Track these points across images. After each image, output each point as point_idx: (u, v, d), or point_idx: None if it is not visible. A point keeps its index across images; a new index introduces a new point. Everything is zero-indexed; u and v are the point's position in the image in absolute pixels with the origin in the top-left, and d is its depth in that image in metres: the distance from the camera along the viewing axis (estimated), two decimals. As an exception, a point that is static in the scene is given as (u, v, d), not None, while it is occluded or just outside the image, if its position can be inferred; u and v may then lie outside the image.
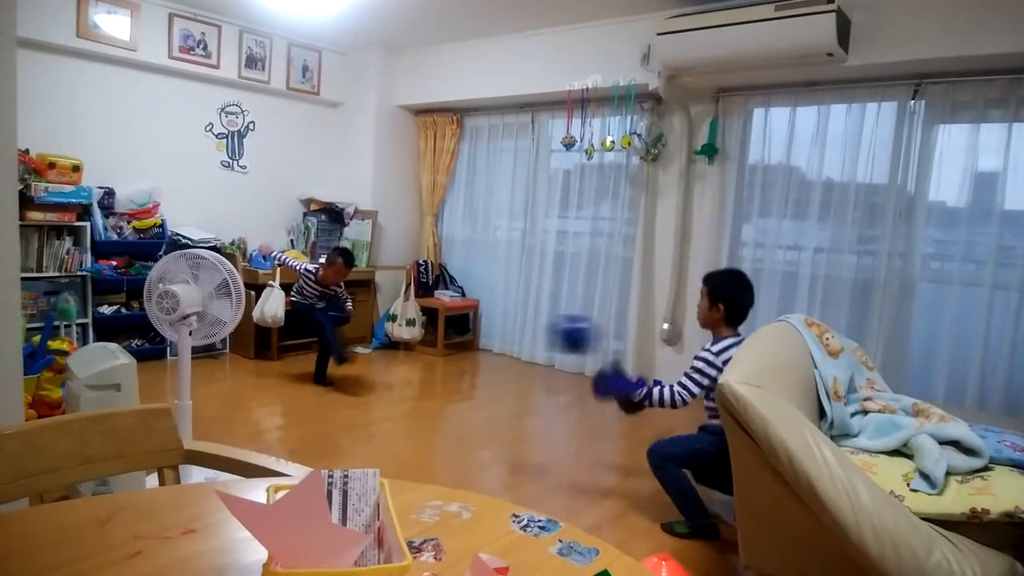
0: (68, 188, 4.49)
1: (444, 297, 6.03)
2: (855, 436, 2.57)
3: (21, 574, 0.88)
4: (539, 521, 1.10)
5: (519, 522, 1.10)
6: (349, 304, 4.87)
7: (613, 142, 4.99)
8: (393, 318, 5.92)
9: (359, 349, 5.92)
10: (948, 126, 3.98)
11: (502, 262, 6.11)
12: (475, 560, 0.78)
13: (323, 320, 4.59)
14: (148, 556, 0.93)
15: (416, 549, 0.98)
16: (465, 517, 1.11)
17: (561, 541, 1.04)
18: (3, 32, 2.11)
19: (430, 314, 5.95)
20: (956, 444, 2.32)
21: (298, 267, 4.65)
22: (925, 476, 2.20)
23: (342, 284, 4.75)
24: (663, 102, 4.91)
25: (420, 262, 6.16)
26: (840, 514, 1.88)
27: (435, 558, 0.96)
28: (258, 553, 0.93)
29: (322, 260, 4.69)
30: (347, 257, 4.59)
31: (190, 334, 2.88)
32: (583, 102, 5.08)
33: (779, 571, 2.25)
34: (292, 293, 4.69)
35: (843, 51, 3.80)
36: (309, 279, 4.56)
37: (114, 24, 4.77)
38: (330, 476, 0.93)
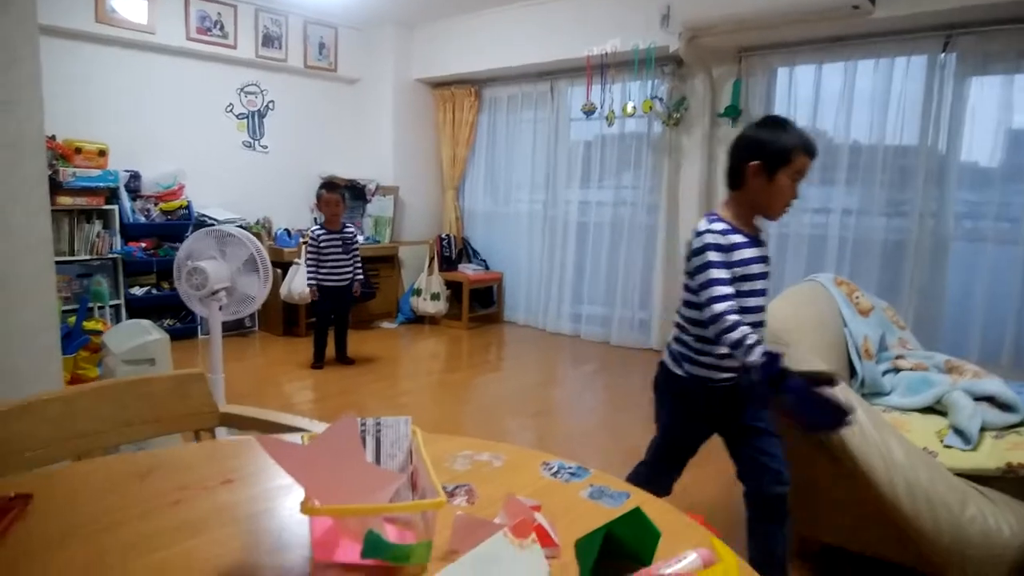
0: (95, 172, 4.56)
1: (468, 270, 6.05)
2: (887, 394, 2.54)
3: (66, 523, 0.91)
4: (569, 468, 1.11)
5: (550, 469, 1.11)
6: (360, 265, 4.61)
7: (634, 107, 4.92)
8: (418, 292, 5.95)
9: (385, 324, 5.98)
10: (980, 79, 3.86)
11: (525, 234, 6.09)
12: (509, 499, 0.79)
13: (343, 308, 4.65)
14: (188, 504, 0.96)
15: (449, 494, 0.99)
16: (496, 465, 1.12)
17: (592, 486, 1.05)
18: (25, 19, 2.13)
19: (454, 288, 5.97)
20: (991, 400, 2.29)
21: (307, 234, 4.60)
22: (959, 432, 2.17)
23: (352, 226, 4.62)
24: (684, 65, 4.81)
25: (443, 236, 6.17)
26: (873, 471, 1.87)
27: (468, 502, 0.98)
28: (295, 498, 0.95)
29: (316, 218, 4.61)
30: (325, 185, 4.59)
31: (220, 309, 2.93)
32: (602, 68, 5.01)
33: (812, 531, 2.25)
34: (318, 273, 4.45)
35: (869, 3, 3.68)
36: (322, 235, 4.42)
37: (131, 8, 4.79)
38: (363, 424, 0.94)
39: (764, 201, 1.72)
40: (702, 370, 1.78)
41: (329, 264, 4.47)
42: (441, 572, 0.59)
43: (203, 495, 0.99)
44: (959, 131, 3.92)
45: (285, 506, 0.96)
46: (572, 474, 1.09)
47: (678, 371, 1.83)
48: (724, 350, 1.66)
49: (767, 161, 1.66)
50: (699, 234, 1.68)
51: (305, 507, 0.73)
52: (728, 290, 1.61)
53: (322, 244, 4.43)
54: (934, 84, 3.98)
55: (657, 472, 1.99)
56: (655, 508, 0.96)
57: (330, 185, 4.63)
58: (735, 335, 1.56)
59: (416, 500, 0.86)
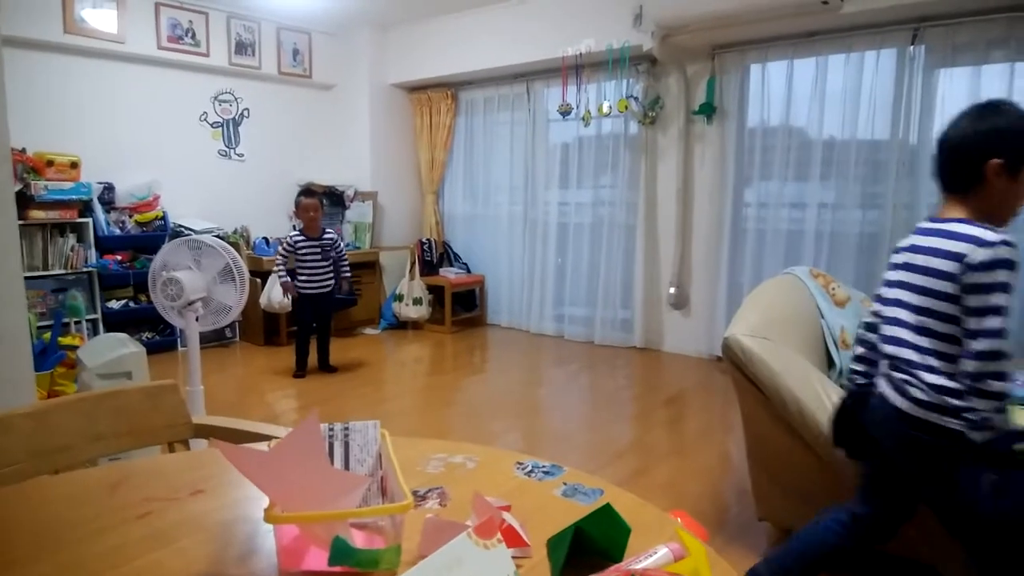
0: (68, 185, 4.50)
1: (449, 274, 6.04)
2: (864, 383, 2.56)
3: (37, 535, 0.90)
4: (543, 467, 1.11)
5: (523, 468, 1.11)
6: (347, 266, 4.61)
7: (610, 107, 4.94)
8: (400, 298, 5.93)
9: (368, 331, 5.95)
10: (949, 70, 3.92)
11: (505, 236, 6.09)
12: (476, 498, 0.78)
13: (324, 316, 4.61)
14: (158, 515, 0.95)
15: (421, 498, 0.99)
16: (469, 467, 1.11)
17: (566, 484, 1.05)
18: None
19: (436, 292, 5.95)
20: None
21: (285, 239, 4.51)
22: (935, 417, 2.19)
23: (332, 232, 4.57)
24: (658, 63, 4.84)
25: (423, 240, 6.15)
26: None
27: (440, 504, 0.97)
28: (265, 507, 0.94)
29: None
30: (303, 192, 4.59)
31: (196, 320, 2.90)
32: (577, 68, 5.03)
33: (794, 523, 2.26)
34: (297, 279, 4.46)
35: (838, -1, 3.73)
36: (300, 241, 4.38)
37: (100, 17, 4.73)
38: (331, 429, 0.93)
39: (1003, 206, 1.42)
40: (957, 421, 1.36)
41: (307, 271, 4.43)
42: (404, 574, 0.59)
43: (173, 506, 0.98)
44: (929, 123, 3.98)
45: (254, 515, 0.95)
46: (546, 472, 1.09)
47: (931, 418, 1.40)
48: (984, 400, 1.31)
49: (1011, 158, 1.37)
50: (985, 244, 1.32)
51: (269, 515, 0.72)
52: (1006, 324, 1.31)
53: (300, 251, 4.39)
54: (904, 77, 4.04)
55: (881, 522, 1.64)
56: (626, 504, 0.96)
57: (308, 191, 4.61)
58: (1005, 384, 1.27)
59: (384, 504, 0.85)
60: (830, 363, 2.61)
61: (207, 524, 0.93)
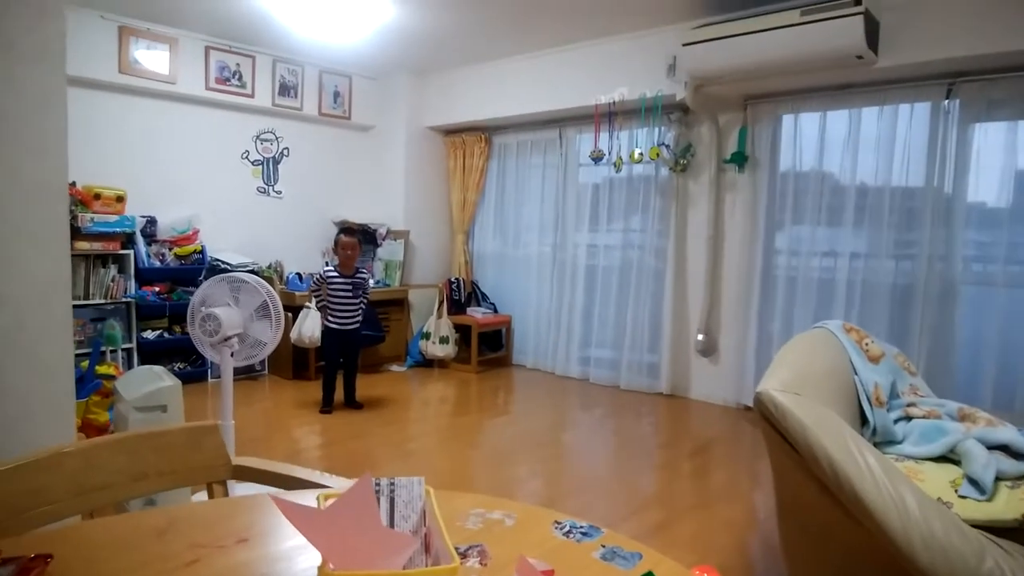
0: (112, 218, 4.66)
1: (477, 314, 6.07)
2: (899, 443, 2.52)
3: (87, 582, 0.92)
4: (581, 527, 1.11)
5: (561, 528, 1.11)
6: (364, 302, 4.62)
7: (641, 154, 5.00)
8: (427, 336, 5.97)
9: (394, 367, 5.99)
10: (984, 124, 3.91)
11: (534, 277, 6.13)
12: (521, 561, 0.80)
13: (352, 353, 4.66)
14: (205, 564, 0.97)
15: (462, 555, 1.00)
16: (508, 524, 1.12)
17: (604, 546, 1.05)
18: (55, 71, 2.22)
19: (463, 331, 5.99)
20: (1005, 448, 2.26)
21: (318, 274, 4.59)
22: (974, 482, 2.15)
23: (366, 271, 4.72)
24: (690, 112, 4.90)
25: (452, 280, 6.21)
26: (887, 523, 1.84)
27: (480, 563, 0.98)
28: (308, 560, 0.96)
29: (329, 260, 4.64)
30: (344, 230, 4.66)
31: (232, 355, 2.96)
32: (610, 115, 5.11)
33: (826, 581, 2.21)
34: (327, 316, 4.54)
35: (873, 53, 3.76)
36: (333, 277, 4.47)
37: (154, 59, 4.95)
38: (377, 484, 0.95)
39: None
40: None
41: (338, 307, 4.49)
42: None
43: (219, 554, 1.00)
44: (964, 175, 3.95)
45: (299, 567, 0.97)
46: (584, 534, 1.09)
47: None
48: None
49: None
50: None
51: (323, 572, 0.74)
52: None
53: (332, 286, 4.46)
54: (938, 129, 4.04)
55: None
56: (666, 570, 0.96)
57: (348, 230, 4.71)
58: None
59: (430, 563, 0.87)
60: (864, 420, 2.57)
61: (254, 574, 0.95)
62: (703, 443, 4.18)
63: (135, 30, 4.84)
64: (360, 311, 4.57)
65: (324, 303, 4.53)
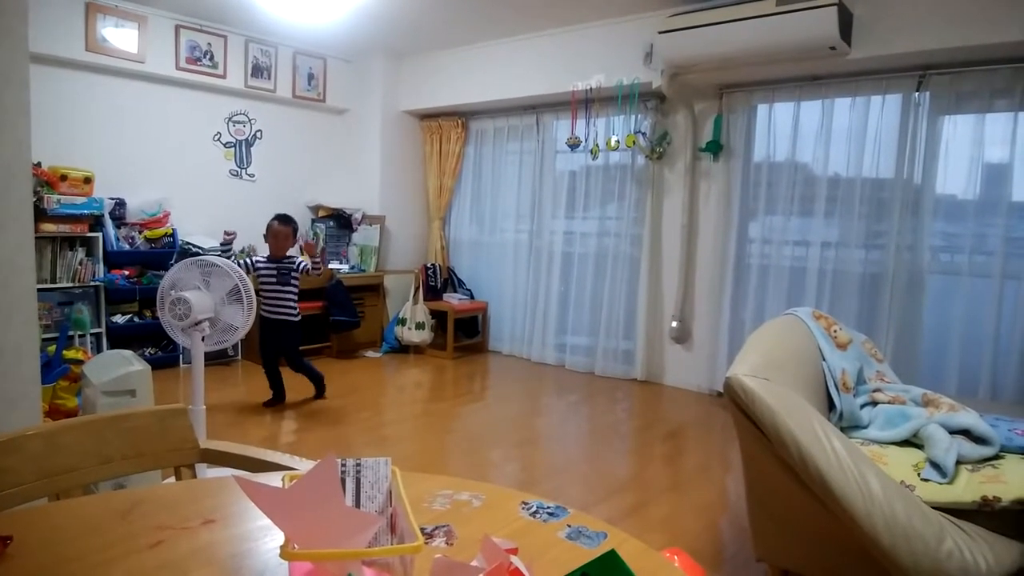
0: (80, 200, 4.56)
1: (453, 300, 6.07)
2: (865, 427, 2.58)
3: (47, 563, 0.91)
4: (548, 508, 1.12)
5: (528, 509, 1.12)
6: (312, 266, 4.19)
7: (618, 141, 5.01)
8: (403, 322, 5.96)
9: (369, 353, 5.96)
10: (953, 117, 3.98)
11: (510, 264, 6.14)
12: (486, 540, 0.80)
13: (286, 348, 4.34)
14: (169, 545, 0.96)
15: (428, 535, 1.00)
16: (475, 505, 1.13)
17: (570, 526, 1.07)
18: (17, 46, 2.16)
19: (439, 317, 5.98)
20: (966, 433, 2.32)
21: (245, 262, 4.09)
22: (936, 465, 2.20)
23: (295, 256, 4.32)
24: (667, 100, 4.92)
25: (428, 265, 6.19)
26: (851, 505, 1.89)
27: (447, 543, 0.99)
28: (275, 540, 0.96)
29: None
30: (279, 218, 4.23)
31: (203, 340, 2.92)
32: (587, 102, 5.11)
33: (792, 565, 2.26)
34: (260, 305, 4.09)
35: (846, 44, 3.80)
36: (259, 262, 4.17)
37: (122, 37, 4.84)
38: (343, 464, 0.95)
39: None
40: None
41: (265, 295, 4.16)
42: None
43: (184, 535, 1.00)
44: (933, 166, 4.02)
45: (265, 548, 0.96)
46: (550, 514, 1.10)
47: None
48: None
49: None
50: None
51: (285, 552, 0.74)
52: None
53: (258, 272, 4.14)
54: (909, 121, 4.10)
55: None
56: (631, 549, 0.98)
57: (283, 218, 4.27)
58: None
59: (395, 542, 0.87)
60: (831, 405, 2.62)
61: (219, 556, 0.94)
62: (676, 428, 4.23)
63: (103, 7, 4.72)
64: (291, 300, 4.21)
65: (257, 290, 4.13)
